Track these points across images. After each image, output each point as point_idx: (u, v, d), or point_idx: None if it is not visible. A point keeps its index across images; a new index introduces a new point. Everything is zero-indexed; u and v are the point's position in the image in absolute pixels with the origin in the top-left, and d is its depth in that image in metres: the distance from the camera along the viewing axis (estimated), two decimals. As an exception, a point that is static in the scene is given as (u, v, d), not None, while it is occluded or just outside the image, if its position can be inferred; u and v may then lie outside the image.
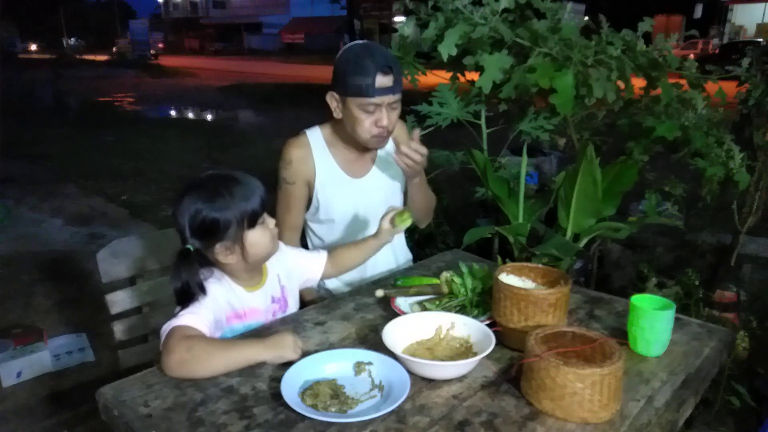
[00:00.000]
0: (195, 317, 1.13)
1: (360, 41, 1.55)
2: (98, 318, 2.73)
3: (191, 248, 1.18)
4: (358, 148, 1.65)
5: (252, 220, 1.21)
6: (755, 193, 2.10)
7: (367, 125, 1.52)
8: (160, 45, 31.82)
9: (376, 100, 1.48)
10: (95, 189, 5.61)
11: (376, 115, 1.51)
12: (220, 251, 1.20)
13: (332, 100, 1.55)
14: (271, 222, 1.27)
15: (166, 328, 1.11)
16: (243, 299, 1.28)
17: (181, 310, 1.15)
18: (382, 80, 1.47)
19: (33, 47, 38.66)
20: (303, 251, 1.53)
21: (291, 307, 1.43)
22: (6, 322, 2.83)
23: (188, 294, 1.15)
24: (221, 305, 1.23)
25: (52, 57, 30.53)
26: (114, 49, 35.50)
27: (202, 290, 1.17)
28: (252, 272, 1.30)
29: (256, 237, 1.23)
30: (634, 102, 2.10)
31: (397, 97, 1.52)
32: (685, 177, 2.11)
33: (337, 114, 1.57)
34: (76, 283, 3.37)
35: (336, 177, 1.65)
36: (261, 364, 1.13)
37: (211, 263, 1.24)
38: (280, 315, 1.38)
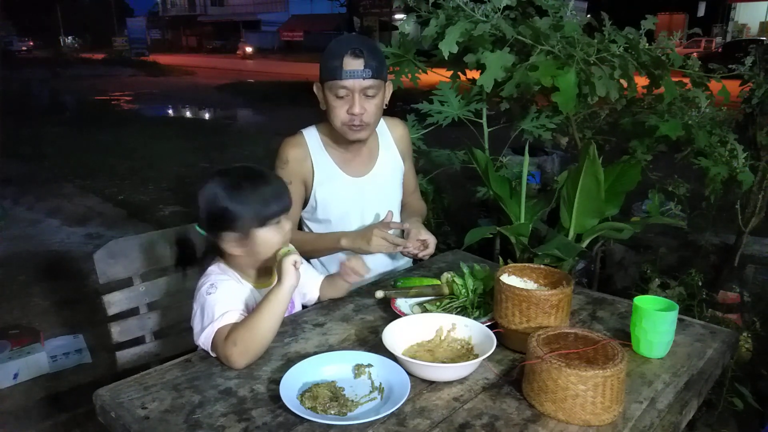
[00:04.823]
0: (228, 314, 1.15)
1: (348, 34, 1.55)
2: (95, 319, 2.71)
3: (202, 233, 1.22)
4: (355, 147, 1.64)
5: (264, 220, 1.21)
6: (759, 193, 2.09)
7: (339, 112, 1.51)
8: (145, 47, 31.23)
9: (347, 83, 1.46)
10: (92, 189, 5.59)
11: (348, 101, 1.49)
12: (229, 242, 1.22)
13: (318, 91, 1.56)
14: (287, 225, 1.26)
15: (209, 334, 1.14)
16: (254, 296, 1.28)
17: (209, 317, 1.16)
18: (352, 62, 1.45)
19: (30, 45, 38.51)
20: (307, 265, 1.51)
21: (297, 307, 1.44)
22: (3, 323, 2.82)
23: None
24: (241, 297, 1.23)
25: (49, 55, 30.46)
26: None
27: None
28: (260, 270, 1.30)
29: (267, 236, 1.22)
30: (637, 101, 2.09)
31: (371, 83, 1.48)
32: (688, 176, 2.10)
33: (322, 105, 1.57)
34: (73, 284, 3.35)
35: (334, 176, 1.64)
36: (259, 366, 1.13)
37: (221, 253, 1.26)
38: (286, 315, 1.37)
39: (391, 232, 1.56)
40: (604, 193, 1.51)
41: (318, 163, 1.62)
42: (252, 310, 1.17)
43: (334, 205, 1.65)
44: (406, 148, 1.78)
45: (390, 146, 1.73)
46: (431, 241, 1.57)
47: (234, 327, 1.13)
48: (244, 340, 1.11)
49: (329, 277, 1.48)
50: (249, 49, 34.64)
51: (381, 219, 1.68)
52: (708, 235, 2.34)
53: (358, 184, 1.66)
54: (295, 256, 1.17)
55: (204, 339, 1.15)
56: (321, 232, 1.71)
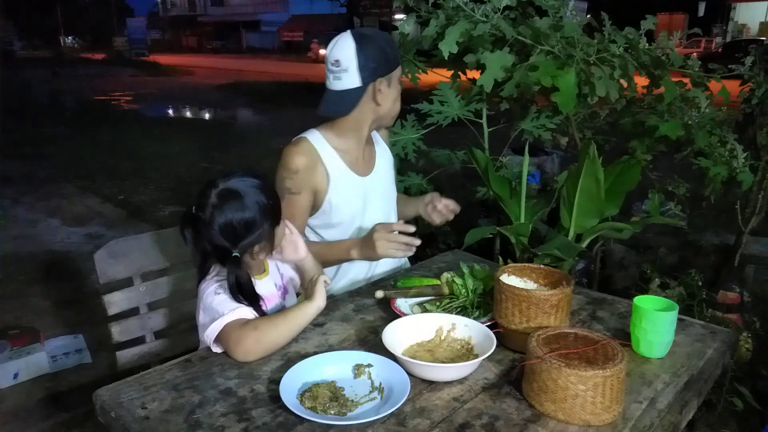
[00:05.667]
0: (240, 309, 1.18)
1: (361, 29, 1.57)
2: (95, 319, 2.71)
3: (238, 255, 1.22)
4: (359, 147, 1.63)
5: (279, 217, 1.29)
6: (758, 193, 2.10)
7: (398, 98, 1.59)
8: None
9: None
10: (92, 189, 5.59)
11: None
12: (257, 251, 1.27)
13: (384, 86, 1.53)
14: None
15: (216, 328, 1.15)
16: (258, 287, 1.29)
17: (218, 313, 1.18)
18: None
19: (30, 46, 38.39)
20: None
21: (290, 293, 1.46)
22: (3, 323, 2.82)
23: (243, 290, 1.22)
24: None
25: (50, 55, 30.44)
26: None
27: (252, 286, 1.24)
28: (260, 263, 1.35)
29: (282, 228, 1.32)
30: (637, 101, 2.09)
31: None
32: (688, 177, 2.10)
33: (380, 100, 1.54)
34: (74, 284, 3.35)
35: (347, 178, 1.60)
36: (260, 366, 1.13)
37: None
38: (283, 301, 1.40)
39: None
40: (604, 193, 1.51)
41: (332, 167, 1.56)
42: (278, 312, 1.24)
43: (347, 206, 1.61)
44: (388, 142, 1.83)
45: (381, 143, 1.75)
46: (451, 202, 1.65)
47: (257, 319, 1.19)
48: (266, 329, 1.15)
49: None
50: (322, 51, 33.28)
51: (386, 216, 1.69)
52: (708, 235, 2.35)
53: (364, 183, 1.64)
54: (326, 277, 1.26)
55: (210, 331, 1.16)
56: (332, 236, 1.66)
